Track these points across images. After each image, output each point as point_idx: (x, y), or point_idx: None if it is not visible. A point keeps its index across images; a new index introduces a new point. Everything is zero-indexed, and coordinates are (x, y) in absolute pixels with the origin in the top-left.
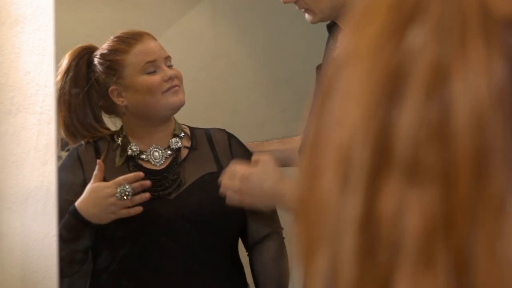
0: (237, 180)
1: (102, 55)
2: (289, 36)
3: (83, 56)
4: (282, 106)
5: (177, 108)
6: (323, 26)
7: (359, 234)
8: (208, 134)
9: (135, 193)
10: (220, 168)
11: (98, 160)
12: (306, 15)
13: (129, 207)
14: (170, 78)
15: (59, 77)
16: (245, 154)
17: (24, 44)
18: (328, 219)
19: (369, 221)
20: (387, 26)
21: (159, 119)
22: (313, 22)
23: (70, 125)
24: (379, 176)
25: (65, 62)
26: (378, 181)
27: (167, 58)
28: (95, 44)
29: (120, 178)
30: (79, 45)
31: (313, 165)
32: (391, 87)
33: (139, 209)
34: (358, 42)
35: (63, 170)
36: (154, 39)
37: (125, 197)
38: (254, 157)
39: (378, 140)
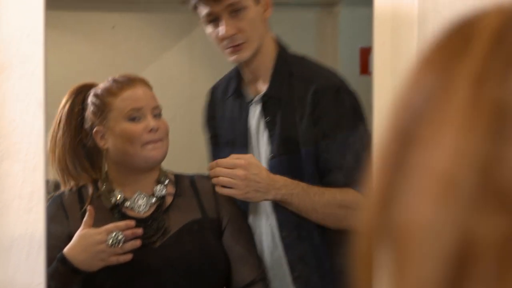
0: (240, 169)
1: (94, 94)
2: None
3: (80, 93)
4: None
5: (155, 163)
6: None
7: (452, 259)
8: (193, 180)
9: (126, 240)
10: (205, 214)
11: (89, 207)
12: (234, 56)
13: (118, 254)
14: (152, 130)
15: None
16: (230, 200)
17: (10, 91)
18: (420, 241)
19: (465, 248)
20: (488, 66)
21: (139, 169)
22: (244, 59)
23: (64, 164)
24: (482, 203)
25: (64, 99)
26: (481, 208)
27: (156, 108)
28: (69, 84)
29: (112, 225)
30: (82, 82)
31: (393, 188)
32: (496, 122)
33: (129, 256)
34: (453, 78)
35: (47, 218)
36: (148, 87)
37: (117, 245)
38: (235, 156)
39: (485, 169)
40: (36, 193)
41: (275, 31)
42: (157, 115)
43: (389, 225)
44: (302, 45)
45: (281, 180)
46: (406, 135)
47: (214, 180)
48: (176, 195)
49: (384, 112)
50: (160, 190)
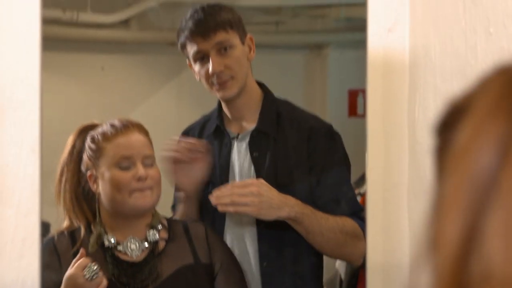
0: (253, 186)
1: (91, 137)
2: None
3: (82, 134)
4: None
5: (142, 211)
6: None
7: None
8: (185, 226)
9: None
10: (197, 260)
11: (81, 249)
12: (222, 92)
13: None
14: (141, 179)
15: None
16: (222, 246)
17: (3, 136)
18: None
19: None
20: None
21: (129, 215)
22: (231, 95)
23: (66, 204)
24: None
25: (70, 138)
26: None
27: (148, 156)
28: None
29: (81, 260)
30: (86, 122)
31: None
32: None
33: (105, 283)
34: None
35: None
36: (143, 133)
37: (95, 276)
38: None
39: None
40: (29, 238)
41: (264, 72)
42: (149, 164)
43: (472, 279)
44: (290, 86)
45: (293, 199)
46: (485, 181)
47: (227, 200)
48: (169, 240)
49: (376, 155)
50: (152, 235)
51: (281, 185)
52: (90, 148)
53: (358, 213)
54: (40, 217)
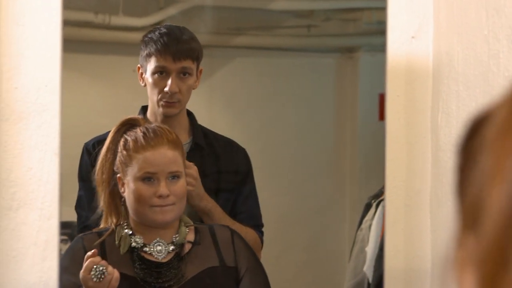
0: (194, 169)
1: (124, 141)
2: (284, 122)
3: (120, 129)
4: (278, 191)
5: (163, 225)
6: (316, 114)
7: None
8: (212, 230)
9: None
10: (223, 262)
11: (94, 250)
12: (166, 109)
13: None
14: (162, 197)
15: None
16: (248, 250)
17: (27, 140)
18: None
19: None
20: None
21: (150, 226)
22: (172, 113)
23: (107, 202)
24: None
25: (111, 131)
26: None
27: (172, 172)
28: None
29: (87, 262)
30: (127, 117)
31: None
32: None
33: (117, 275)
34: None
35: (66, 257)
36: (174, 146)
37: (102, 277)
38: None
39: None
40: (52, 241)
41: (295, 76)
42: (175, 178)
43: None
44: (321, 90)
45: (208, 196)
46: None
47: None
48: (195, 243)
49: (399, 161)
50: (179, 238)
51: (212, 194)
52: (122, 154)
53: (259, 227)
54: (60, 220)
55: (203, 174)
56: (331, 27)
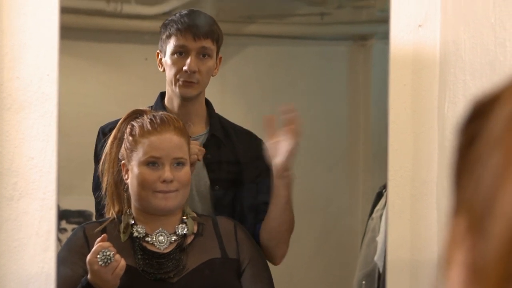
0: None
1: (131, 127)
2: (296, 110)
3: (127, 120)
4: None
5: (165, 212)
6: (329, 102)
7: None
8: (215, 221)
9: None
10: (225, 254)
11: (104, 234)
12: (183, 89)
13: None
14: (165, 181)
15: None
16: (251, 242)
17: (29, 130)
18: None
19: None
20: None
21: (153, 213)
22: (191, 95)
23: (110, 190)
24: None
25: (119, 122)
26: None
27: (177, 158)
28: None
29: (96, 246)
30: (134, 109)
31: None
32: None
33: (123, 264)
34: None
35: (67, 246)
36: (179, 133)
37: (109, 261)
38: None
39: None
40: (53, 231)
41: (308, 64)
42: (179, 165)
43: None
44: (334, 77)
45: None
46: None
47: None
48: (197, 235)
49: (405, 151)
50: (181, 229)
51: (234, 186)
52: (127, 140)
53: None
54: (59, 209)
55: (220, 165)
56: (344, 14)
